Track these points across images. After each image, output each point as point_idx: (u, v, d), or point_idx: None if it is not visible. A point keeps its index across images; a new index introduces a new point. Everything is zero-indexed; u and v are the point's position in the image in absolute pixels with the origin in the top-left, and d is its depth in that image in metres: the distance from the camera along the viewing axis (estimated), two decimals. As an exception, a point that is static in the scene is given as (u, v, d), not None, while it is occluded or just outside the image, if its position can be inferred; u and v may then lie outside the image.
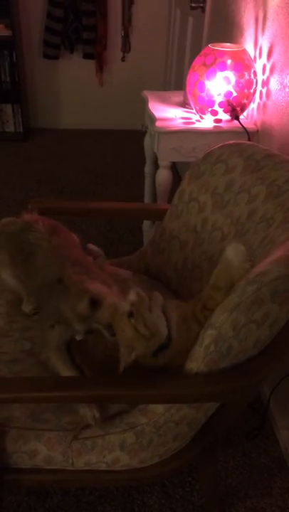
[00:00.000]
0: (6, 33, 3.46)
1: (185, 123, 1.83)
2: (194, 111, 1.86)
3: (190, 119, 1.87)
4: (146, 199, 2.46)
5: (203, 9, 2.54)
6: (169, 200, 1.93)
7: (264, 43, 1.73)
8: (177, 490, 1.39)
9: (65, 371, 1.08)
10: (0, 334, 1.25)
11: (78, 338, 1.07)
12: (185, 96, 1.95)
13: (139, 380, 0.96)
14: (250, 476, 1.44)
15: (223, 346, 0.95)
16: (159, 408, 1.02)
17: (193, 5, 2.60)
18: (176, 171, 3.04)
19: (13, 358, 1.17)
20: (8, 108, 3.77)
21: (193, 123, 1.84)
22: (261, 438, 1.54)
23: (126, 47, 3.78)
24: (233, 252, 1.02)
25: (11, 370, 1.14)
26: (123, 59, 3.82)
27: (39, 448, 1.02)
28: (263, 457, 1.49)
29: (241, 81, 1.72)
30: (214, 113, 1.77)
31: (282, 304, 0.93)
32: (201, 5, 2.55)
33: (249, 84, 1.74)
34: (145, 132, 2.29)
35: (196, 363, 0.97)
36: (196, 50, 2.59)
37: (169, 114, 1.90)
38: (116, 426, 1.04)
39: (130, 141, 3.48)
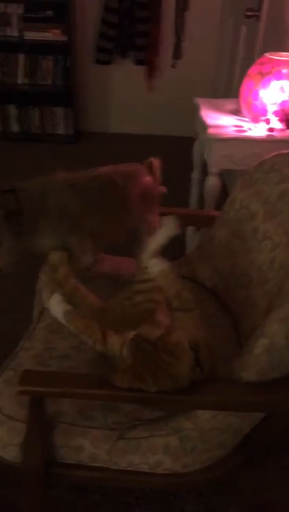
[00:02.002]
0: (62, 38, 3.55)
1: (237, 131, 1.83)
2: (247, 119, 1.86)
3: (242, 127, 1.86)
4: (192, 205, 2.46)
5: (258, 18, 2.53)
6: (216, 207, 1.94)
7: None
8: (214, 499, 1.38)
9: None
10: (50, 330, 1.29)
11: None
12: (238, 104, 1.95)
13: (190, 385, 0.97)
14: (290, 491, 1.42)
15: (274, 356, 0.94)
16: (205, 414, 1.02)
17: (248, 14, 2.59)
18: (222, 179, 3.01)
19: (63, 354, 1.20)
20: (60, 111, 3.86)
21: (245, 131, 1.83)
22: (303, 453, 1.51)
23: (177, 54, 3.81)
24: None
25: (61, 366, 1.17)
26: (174, 65, 3.85)
27: (85, 444, 1.04)
28: (303, 473, 1.46)
29: (297, 91, 1.71)
30: (268, 122, 1.77)
31: None
32: (257, 14, 2.54)
33: (305, 94, 1.73)
34: (195, 139, 2.30)
35: (246, 371, 0.97)
36: (248, 58, 2.58)
37: (221, 122, 1.91)
38: (161, 429, 1.05)
39: (176, 148, 3.49)
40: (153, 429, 1.05)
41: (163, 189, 1.49)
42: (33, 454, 1.01)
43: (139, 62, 3.75)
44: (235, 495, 1.39)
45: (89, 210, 1.25)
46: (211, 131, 1.83)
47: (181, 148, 3.07)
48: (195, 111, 2.10)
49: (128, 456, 1.05)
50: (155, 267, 1.14)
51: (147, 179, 1.41)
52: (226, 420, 1.02)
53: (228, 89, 3.26)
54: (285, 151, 1.40)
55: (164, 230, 1.17)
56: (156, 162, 1.45)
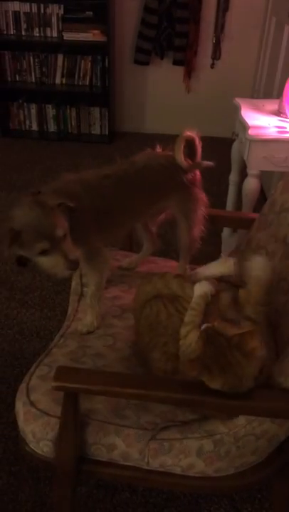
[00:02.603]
0: (101, 38, 3.58)
1: (279, 132, 1.80)
2: (289, 120, 1.82)
3: (284, 128, 1.83)
4: (229, 207, 2.43)
5: (302, 17, 2.48)
6: (254, 210, 1.90)
7: None
8: (246, 505, 1.35)
9: None
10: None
11: None
12: (280, 104, 1.91)
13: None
14: None
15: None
16: (240, 419, 1.00)
17: (292, 13, 2.55)
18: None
19: (97, 352, 1.20)
20: (96, 111, 3.89)
21: (287, 132, 1.80)
22: None
23: (216, 54, 3.77)
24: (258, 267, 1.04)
25: (95, 364, 1.17)
26: (212, 66, 3.82)
27: (117, 443, 1.04)
28: None
29: None
30: (311, 123, 1.72)
31: None
32: (301, 13, 2.49)
33: None
34: (233, 140, 2.27)
35: (285, 377, 0.94)
36: (291, 58, 2.53)
37: (261, 122, 1.87)
38: (194, 431, 1.04)
39: (213, 149, 3.44)
40: (186, 431, 1.04)
41: (206, 164, 1.47)
42: (65, 449, 1.02)
43: (177, 62, 3.74)
44: (267, 502, 1.36)
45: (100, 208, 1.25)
46: (251, 131, 1.80)
47: (219, 149, 3.04)
48: (235, 111, 2.08)
49: (160, 457, 1.04)
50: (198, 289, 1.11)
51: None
52: (262, 426, 1.00)
53: (268, 91, 3.21)
54: None
55: (220, 266, 1.17)
56: (195, 136, 1.43)
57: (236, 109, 2.06)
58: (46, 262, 1.11)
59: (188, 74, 3.82)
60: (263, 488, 1.39)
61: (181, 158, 1.37)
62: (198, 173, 1.46)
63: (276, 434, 1.03)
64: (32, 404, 1.08)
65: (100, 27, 3.56)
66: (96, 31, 3.57)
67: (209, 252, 2.45)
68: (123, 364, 1.17)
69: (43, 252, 1.09)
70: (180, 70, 3.81)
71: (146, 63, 3.78)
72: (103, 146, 3.80)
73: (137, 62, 3.76)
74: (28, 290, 2.18)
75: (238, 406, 0.97)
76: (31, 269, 1.16)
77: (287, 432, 1.05)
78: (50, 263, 1.10)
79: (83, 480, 1.37)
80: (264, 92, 3.37)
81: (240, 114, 1.97)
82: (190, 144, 1.42)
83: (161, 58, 3.78)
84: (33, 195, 1.11)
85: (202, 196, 1.47)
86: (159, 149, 1.45)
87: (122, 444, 1.04)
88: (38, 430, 1.06)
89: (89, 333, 1.27)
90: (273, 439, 1.05)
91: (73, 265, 1.10)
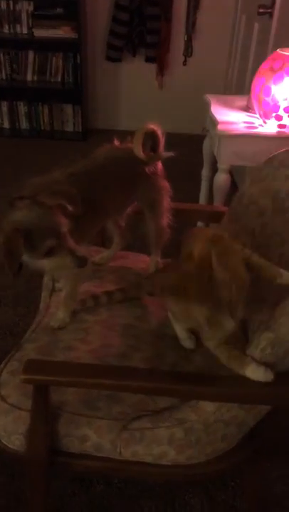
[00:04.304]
0: (72, 35, 3.57)
1: (248, 127, 1.83)
2: (258, 115, 1.85)
3: (253, 123, 1.86)
4: (202, 201, 2.46)
5: (270, 15, 2.52)
6: (226, 204, 1.93)
7: None
8: (219, 493, 1.38)
9: None
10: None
11: None
12: (249, 100, 1.94)
13: (195, 375, 0.97)
14: (295, 487, 1.41)
15: (279, 349, 0.94)
16: (209, 406, 1.02)
17: (260, 10, 2.58)
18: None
19: (68, 346, 1.21)
20: (68, 108, 3.88)
21: (256, 127, 1.83)
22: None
23: (188, 51, 3.80)
24: None
25: (66, 357, 1.17)
26: (184, 63, 3.84)
27: (89, 434, 1.05)
28: (309, 470, 1.46)
29: (308, 86, 1.70)
30: (279, 118, 1.76)
31: None
32: (269, 11, 2.53)
33: (316, 90, 1.72)
34: (205, 136, 2.29)
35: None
36: (261, 55, 2.57)
37: (231, 118, 1.90)
38: (165, 420, 1.05)
39: (186, 145, 3.48)
40: (157, 420, 1.05)
41: (167, 155, 1.48)
42: (37, 442, 1.02)
43: (149, 59, 3.75)
44: (240, 490, 1.39)
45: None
46: (220, 127, 1.83)
47: (192, 145, 3.07)
48: (205, 107, 2.10)
49: (132, 447, 1.05)
50: None
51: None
52: (231, 413, 1.02)
53: (239, 87, 3.25)
54: (294, 147, 1.39)
55: None
56: (156, 129, 1.45)
57: (207, 106, 2.08)
58: (53, 263, 1.08)
59: (161, 71, 3.84)
60: (236, 476, 1.42)
61: (138, 150, 1.37)
62: (160, 163, 1.47)
63: (245, 420, 1.06)
64: (3, 399, 1.08)
65: (70, 24, 3.54)
66: (67, 28, 3.55)
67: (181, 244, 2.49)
68: (93, 356, 1.17)
69: (49, 253, 1.06)
70: (152, 67, 3.82)
71: (119, 60, 3.78)
72: (77, 143, 3.79)
73: (109, 59, 3.76)
74: (0, 288, 2.16)
75: (206, 392, 0.98)
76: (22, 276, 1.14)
77: (256, 417, 1.07)
78: (58, 263, 1.08)
79: (58, 474, 1.38)
80: (236, 88, 3.41)
81: (210, 110, 2.00)
82: (152, 137, 1.43)
83: (134, 55, 3.79)
84: (27, 198, 1.09)
85: (165, 185, 1.48)
86: (117, 143, 1.45)
87: (93, 435, 1.05)
88: (9, 425, 1.06)
89: (60, 328, 1.27)
90: (242, 425, 1.07)
91: (82, 262, 1.08)
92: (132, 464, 1.09)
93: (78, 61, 3.69)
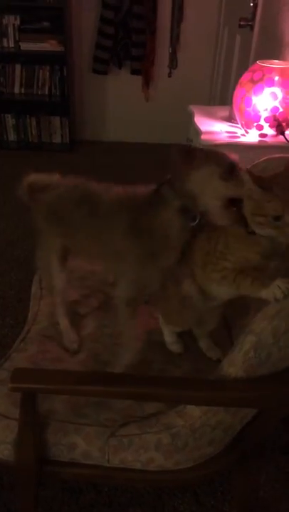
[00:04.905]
0: (58, 48, 3.61)
1: (230, 137, 1.86)
2: (240, 125, 1.89)
3: (235, 133, 1.90)
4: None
5: (251, 27, 2.59)
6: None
7: (312, 61, 1.75)
8: (208, 498, 1.39)
9: None
10: (44, 335, 1.31)
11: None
12: (231, 111, 1.98)
13: (180, 380, 0.99)
14: (283, 490, 1.43)
15: (262, 353, 0.96)
16: (196, 411, 1.03)
17: (241, 23, 2.65)
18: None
19: (57, 357, 1.22)
20: (56, 120, 3.91)
21: (238, 137, 1.87)
22: (296, 454, 1.52)
23: (173, 63, 3.86)
24: None
25: (56, 368, 1.18)
26: (170, 75, 3.90)
27: (78, 442, 1.06)
28: (296, 473, 1.47)
29: (288, 97, 1.74)
30: (260, 128, 1.80)
31: None
32: (250, 23, 2.59)
33: (296, 100, 1.76)
34: (189, 146, 2.33)
35: (235, 368, 0.98)
36: (243, 67, 2.63)
37: (214, 128, 1.94)
38: (152, 426, 1.06)
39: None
40: (145, 426, 1.06)
41: None
42: (25, 451, 1.02)
43: (135, 72, 3.80)
44: (229, 494, 1.40)
45: None
46: (203, 137, 1.86)
47: (177, 155, 3.11)
48: (189, 118, 2.14)
49: (120, 454, 1.06)
50: None
51: None
52: (217, 417, 1.04)
53: (223, 97, 3.31)
54: (275, 156, 1.42)
55: None
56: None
57: (190, 116, 2.12)
58: None
59: (147, 83, 3.89)
60: (224, 481, 1.43)
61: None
62: None
63: (231, 424, 1.07)
64: (-9, 408, 1.09)
65: (57, 37, 3.59)
66: (53, 41, 3.60)
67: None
68: (82, 365, 1.19)
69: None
70: (138, 79, 3.88)
71: (105, 73, 3.83)
72: (65, 154, 3.82)
73: (95, 71, 3.81)
74: (-11, 300, 2.17)
75: (194, 396, 1.00)
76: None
77: (243, 421, 1.09)
78: None
79: (48, 483, 1.38)
80: (220, 99, 3.48)
81: (194, 120, 2.04)
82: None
83: (119, 68, 3.84)
84: None
85: None
86: None
87: (82, 443, 1.06)
88: (-2, 434, 1.06)
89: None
90: (229, 429, 1.09)
91: None
92: (121, 471, 1.09)
93: (65, 74, 3.73)
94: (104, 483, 1.36)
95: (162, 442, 1.06)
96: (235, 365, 0.98)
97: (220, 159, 1.06)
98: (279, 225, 0.94)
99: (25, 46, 3.62)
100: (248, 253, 1.02)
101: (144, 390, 0.96)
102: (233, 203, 1.03)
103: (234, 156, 1.08)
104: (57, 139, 3.98)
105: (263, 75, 1.75)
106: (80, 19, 3.71)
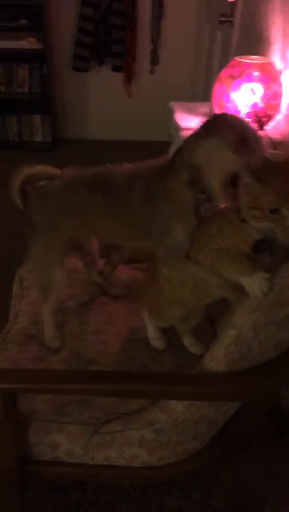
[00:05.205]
0: (38, 46, 3.57)
1: (210, 132, 1.87)
2: (220, 121, 1.90)
3: (215, 128, 1.90)
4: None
5: (231, 23, 2.59)
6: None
7: (291, 56, 1.76)
8: (195, 493, 1.39)
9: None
10: (25, 334, 1.29)
11: None
12: (211, 107, 1.99)
13: (162, 375, 0.98)
14: (270, 482, 1.44)
15: (243, 347, 0.96)
16: (178, 406, 1.03)
17: (221, 19, 2.65)
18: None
19: (38, 356, 1.21)
20: (37, 119, 3.87)
21: (218, 132, 1.87)
22: (282, 445, 1.53)
23: (154, 60, 3.85)
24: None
25: (36, 367, 1.17)
26: (151, 72, 3.89)
27: (60, 441, 1.05)
28: (282, 464, 1.48)
29: (268, 92, 1.75)
30: (240, 123, 1.80)
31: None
32: (230, 19, 2.59)
33: (275, 95, 1.77)
34: (171, 142, 2.33)
35: (216, 362, 0.99)
36: (224, 63, 2.63)
37: (194, 124, 1.93)
38: (135, 422, 1.06)
39: (156, 152, 3.54)
40: (128, 422, 1.06)
41: None
42: (7, 451, 1.02)
43: (116, 68, 3.78)
44: (216, 488, 1.40)
45: None
46: (184, 133, 1.86)
47: (160, 152, 3.11)
48: (170, 115, 2.14)
49: (104, 451, 1.06)
50: None
51: None
52: (200, 411, 1.04)
53: (206, 94, 3.31)
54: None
55: None
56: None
57: (171, 113, 2.12)
58: None
59: (128, 80, 3.88)
60: (211, 475, 1.43)
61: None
62: None
63: (214, 418, 1.08)
64: (-28, 409, 1.07)
65: (35, 35, 3.55)
66: (31, 39, 3.55)
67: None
68: (64, 364, 1.18)
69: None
70: (120, 76, 3.86)
71: (86, 70, 3.80)
72: (47, 153, 3.79)
73: (75, 69, 3.78)
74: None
75: (176, 391, 1.00)
76: None
77: (226, 415, 1.09)
78: None
79: (33, 483, 1.37)
80: (202, 95, 3.48)
81: (174, 117, 2.04)
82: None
83: (100, 65, 3.81)
84: None
85: None
86: None
87: (65, 442, 1.05)
88: (-21, 435, 1.05)
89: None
90: (212, 423, 1.09)
91: None
92: (105, 468, 1.09)
93: (45, 72, 3.70)
94: (89, 481, 1.36)
95: (145, 438, 1.06)
96: (216, 359, 0.99)
97: (235, 127, 0.99)
98: (276, 217, 0.93)
99: (3, 44, 3.57)
100: (238, 242, 1.01)
101: (126, 387, 0.95)
102: (234, 183, 0.98)
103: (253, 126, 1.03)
104: (38, 138, 3.94)
105: (242, 71, 1.76)
106: (58, 16, 3.67)
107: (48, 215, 1.21)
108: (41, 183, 1.25)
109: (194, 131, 1.08)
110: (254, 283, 0.94)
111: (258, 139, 0.99)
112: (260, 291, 0.93)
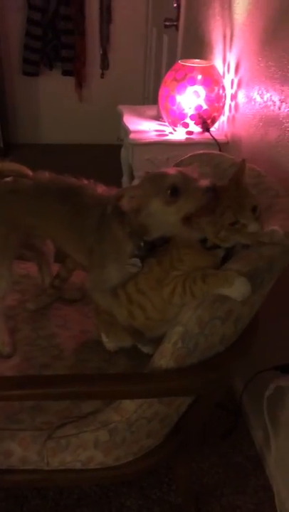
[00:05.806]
0: (-14, 51, 3.52)
1: (158, 135, 1.90)
2: (167, 124, 1.93)
3: (163, 131, 1.93)
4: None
5: (176, 27, 2.64)
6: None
7: (232, 59, 1.81)
8: (154, 490, 1.41)
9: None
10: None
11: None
12: (158, 110, 2.02)
13: (111, 376, 1.00)
14: (226, 475, 1.47)
15: (190, 342, 0.99)
16: (131, 405, 1.05)
17: (167, 23, 2.70)
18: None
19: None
20: (-12, 124, 3.81)
21: (166, 135, 1.90)
22: (236, 438, 1.57)
23: (104, 64, 3.87)
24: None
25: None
26: (102, 76, 3.91)
27: (14, 448, 1.05)
28: (237, 456, 1.53)
29: (211, 95, 1.80)
30: (186, 125, 1.84)
31: (244, 300, 0.98)
32: (175, 23, 2.65)
33: (218, 98, 1.82)
34: (121, 145, 2.35)
35: (165, 359, 1.01)
36: (171, 66, 2.68)
37: (142, 127, 1.97)
38: (89, 424, 1.07)
39: (108, 155, 3.55)
40: (82, 425, 1.07)
41: None
42: None
43: (66, 73, 3.78)
44: (174, 484, 1.43)
45: None
46: (132, 136, 1.88)
47: (112, 155, 3.13)
48: (119, 118, 2.16)
49: (59, 455, 1.06)
50: None
51: None
52: (152, 409, 1.06)
53: (156, 97, 3.35)
54: (199, 152, 1.47)
55: None
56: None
57: (120, 116, 2.14)
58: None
59: (79, 84, 3.88)
60: (170, 472, 1.46)
61: None
62: None
63: (167, 414, 1.10)
64: None
65: (-17, 39, 3.50)
66: (-21, 43, 3.51)
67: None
68: (15, 370, 1.17)
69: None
70: (71, 80, 3.85)
71: (36, 74, 3.77)
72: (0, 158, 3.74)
73: (25, 73, 3.75)
74: None
75: (127, 391, 1.01)
76: None
77: (178, 411, 1.12)
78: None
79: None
80: (153, 98, 3.52)
81: (123, 120, 2.06)
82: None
83: (50, 69, 3.80)
84: None
85: None
86: None
87: (18, 449, 1.05)
88: None
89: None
90: (165, 420, 1.11)
91: None
92: (61, 473, 1.09)
93: (-6, 77, 3.65)
94: (48, 486, 1.36)
95: (100, 439, 1.07)
96: (165, 356, 1.01)
97: (158, 185, 0.99)
98: (238, 228, 0.96)
99: None
100: (202, 262, 1.03)
101: (76, 389, 0.96)
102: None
103: (171, 171, 1.01)
104: (-10, 143, 3.88)
105: (186, 74, 1.80)
106: (5, 21, 3.63)
107: (8, 210, 1.23)
108: (6, 179, 1.26)
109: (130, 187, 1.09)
110: (234, 290, 0.97)
111: (187, 180, 0.98)
112: (241, 296, 0.96)
